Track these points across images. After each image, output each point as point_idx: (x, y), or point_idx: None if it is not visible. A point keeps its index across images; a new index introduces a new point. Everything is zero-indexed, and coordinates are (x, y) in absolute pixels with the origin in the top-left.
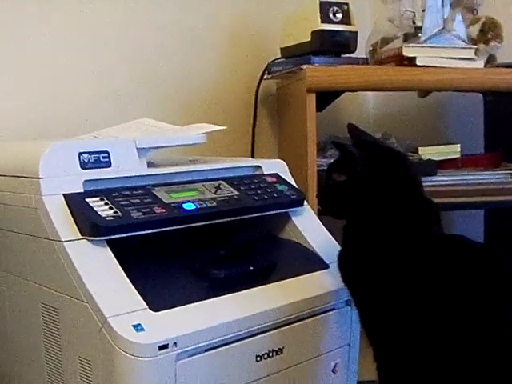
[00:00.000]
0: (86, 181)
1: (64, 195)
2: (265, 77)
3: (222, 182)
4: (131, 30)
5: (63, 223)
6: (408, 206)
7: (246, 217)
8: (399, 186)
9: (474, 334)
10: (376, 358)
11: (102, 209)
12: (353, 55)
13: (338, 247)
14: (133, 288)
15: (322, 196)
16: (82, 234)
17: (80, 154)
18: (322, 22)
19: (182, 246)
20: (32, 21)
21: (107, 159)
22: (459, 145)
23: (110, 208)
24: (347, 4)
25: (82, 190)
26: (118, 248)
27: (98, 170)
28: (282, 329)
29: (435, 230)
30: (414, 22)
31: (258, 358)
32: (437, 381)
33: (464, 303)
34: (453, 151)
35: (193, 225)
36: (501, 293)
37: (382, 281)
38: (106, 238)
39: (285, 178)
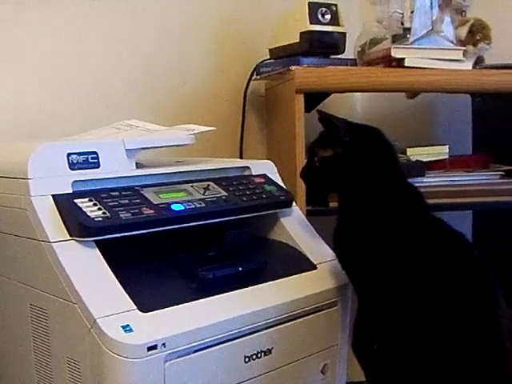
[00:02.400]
0: (74, 181)
1: (53, 196)
2: (253, 78)
3: (211, 182)
4: (120, 32)
5: (52, 224)
6: (396, 171)
7: (234, 218)
8: (383, 157)
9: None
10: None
11: (91, 210)
12: (341, 56)
13: (327, 248)
14: (121, 289)
15: (308, 174)
16: (70, 235)
17: (69, 154)
18: (311, 23)
19: (171, 247)
20: (25, 23)
21: (96, 160)
22: (447, 146)
23: (99, 209)
24: (336, 5)
25: (70, 191)
26: (106, 249)
27: (87, 170)
28: (271, 329)
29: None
30: (402, 24)
31: (247, 359)
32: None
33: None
34: (441, 152)
35: (181, 226)
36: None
37: (370, 253)
38: (94, 238)
39: (273, 178)
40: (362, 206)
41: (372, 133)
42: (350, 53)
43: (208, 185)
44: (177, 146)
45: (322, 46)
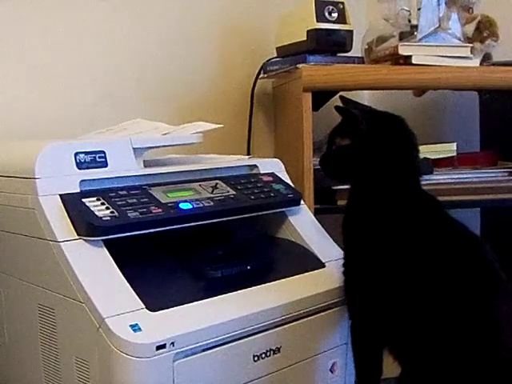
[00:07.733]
0: (82, 181)
1: (60, 195)
2: (261, 76)
3: (219, 181)
4: (127, 31)
5: (60, 223)
6: (411, 166)
7: (242, 216)
8: (401, 146)
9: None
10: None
11: (99, 209)
12: (348, 54)
13: (335, 246)
14: (130, 288)
15: (326, 162)
16: (78, 234)
17: (76, 154)
18: (318, 21)
19: (179, 246)
20: (31, 23)
21: (103, 159)
22: (455, 143)
23: (107, 208)
24: (343, 3)
25: (78, 190)
26: (114, 248)
27: (95, 170)
28: (280, 328)
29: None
30: (409, 21)
31: (256, 358)
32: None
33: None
34: (449, 150)
35: (189, 224)
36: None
37: (380, 243)
38: (102, 238)
39: (281, 177)
40: (369, 198)
41: (392, 122)
42: (357, 51)
43: (216, 183)
44: (184, 144)
45: (329, 43)
